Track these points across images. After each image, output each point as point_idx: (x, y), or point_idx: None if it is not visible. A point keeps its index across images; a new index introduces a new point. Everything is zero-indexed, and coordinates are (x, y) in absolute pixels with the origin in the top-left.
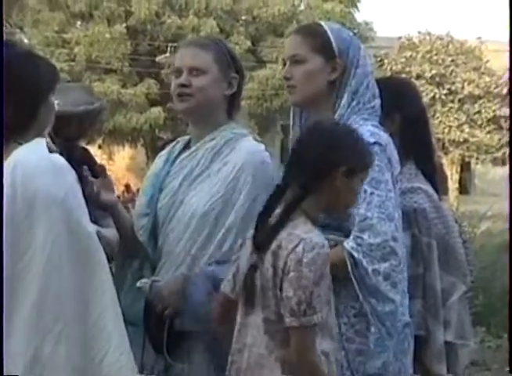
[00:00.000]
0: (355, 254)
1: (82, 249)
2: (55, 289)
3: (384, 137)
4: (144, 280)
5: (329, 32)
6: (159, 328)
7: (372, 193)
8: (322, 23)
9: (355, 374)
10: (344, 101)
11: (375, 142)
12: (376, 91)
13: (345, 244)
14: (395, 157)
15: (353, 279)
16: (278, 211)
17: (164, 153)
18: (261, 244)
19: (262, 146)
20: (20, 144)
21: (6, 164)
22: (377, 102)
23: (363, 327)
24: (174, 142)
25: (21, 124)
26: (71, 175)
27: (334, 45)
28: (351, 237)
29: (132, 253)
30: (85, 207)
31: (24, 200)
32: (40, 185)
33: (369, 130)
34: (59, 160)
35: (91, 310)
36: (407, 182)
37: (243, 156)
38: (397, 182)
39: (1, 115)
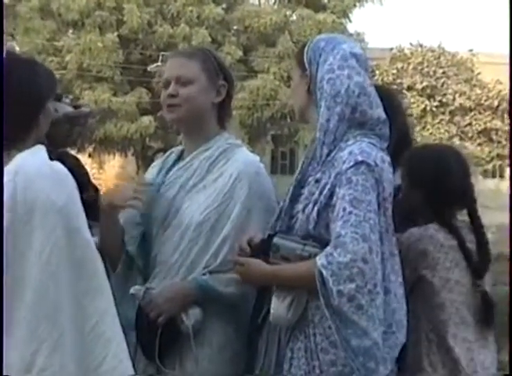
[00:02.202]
0: (324, 273)
1: (80, 257)
2: (52, 296)
3: (377, 156)
4: (137, 287)
5: (307, 44)
6: (151, 335)
7: (350, 212)
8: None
9: None
10: (323, 109)
11: (362, 161)
12: (376, 99)
13: (317, 259)
14: (387, 177)
15: (320, 298)
16: None
17: (156, 163)
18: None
19: (257, 157)
20: (21, 151)
21: (7, 170)
22: (379, 112)
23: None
24: (167, 153)
25: (22, 131)
26: (71, 182)
27: (305, 56)
28: (324, 253)
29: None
30: (84, 214)
31: (24, 206)
32: (40, 191)
33: (361, 148)
34: (60, 167)
35: (88, 317)
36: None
37: (239, 166)
38: (385, 201)
39: (1, 117)
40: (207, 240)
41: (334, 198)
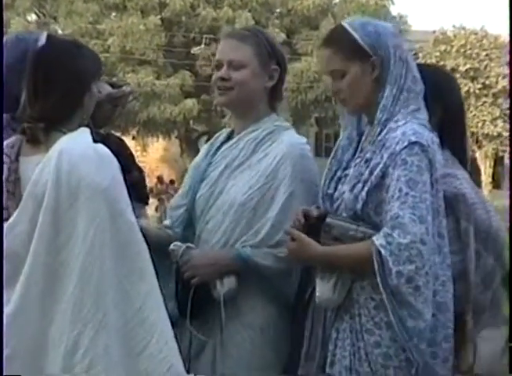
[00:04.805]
0: (383, 252)
1: (123, 239)
2: (96, 279)
3: (428, 137)
4: (178, 244)
5: (354, 34)
6: (184, 293)
7: (407, 194)
8: (345, 24)
9: (372, 367)
10: (388, 91)
11: (416, 142)
12: (417, 73)
13: (375, 239)
14: (438, 157)
15: (377, 277)
16: None
17: (207, 145)
18: None
19: (304, 140)
20: (64, 133)
21: (51, 151)
22: (420, 86)
23: (383, 319)
24: (217, 134)
25: (66, 112)
26: (115, 164)
27: (363, 44)
28: (382, 234)
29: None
30: (128, 197)
31: (69, 189)
32: (84, 173)
33: (413, 129)
34: (104, 149)
35: (133, 300)
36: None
37: (284, 148)
38: (437, 183)
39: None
40: (249, 221)
41: (388, 179)
